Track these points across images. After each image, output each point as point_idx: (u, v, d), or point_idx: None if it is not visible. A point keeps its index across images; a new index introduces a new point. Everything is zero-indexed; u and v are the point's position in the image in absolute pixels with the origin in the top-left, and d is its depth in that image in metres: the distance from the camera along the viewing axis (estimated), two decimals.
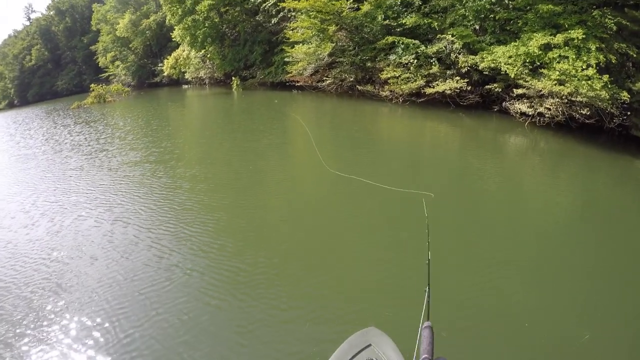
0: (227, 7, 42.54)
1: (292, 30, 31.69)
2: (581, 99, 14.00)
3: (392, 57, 22.82)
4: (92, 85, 50.23)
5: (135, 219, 10.78)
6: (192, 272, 7.78)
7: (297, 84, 33.15)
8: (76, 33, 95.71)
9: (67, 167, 17.95)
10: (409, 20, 21.92)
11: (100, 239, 9.89)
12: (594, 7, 15.66)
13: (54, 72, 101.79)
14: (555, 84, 14.57)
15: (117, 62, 75.20)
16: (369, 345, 4.39)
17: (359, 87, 26.37)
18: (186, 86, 58.92)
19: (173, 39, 50.68)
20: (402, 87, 21.88)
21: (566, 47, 14.95)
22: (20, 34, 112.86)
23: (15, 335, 6.65)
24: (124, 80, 72.48)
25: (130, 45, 68.28)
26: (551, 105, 15.04)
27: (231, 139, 20.46)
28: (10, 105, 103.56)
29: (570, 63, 14.43)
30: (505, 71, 16.37)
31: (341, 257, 7.93)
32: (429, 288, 4.60)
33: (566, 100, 14.64)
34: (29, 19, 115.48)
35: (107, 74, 77.14)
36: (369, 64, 25.17)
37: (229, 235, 9.30)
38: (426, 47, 21.21)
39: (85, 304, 7.20)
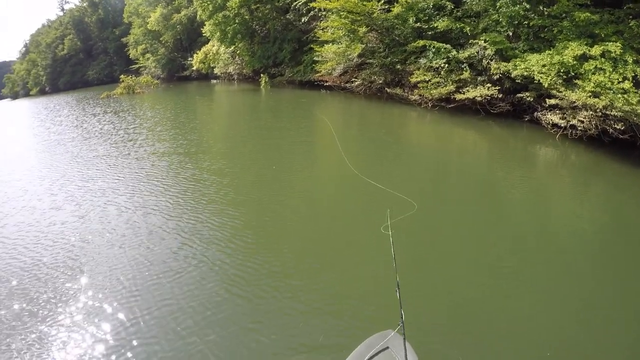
0: (257, 5, 42.77)
1: (322, 29, 31.68)
2: (616, 113, 13.62)
3: (422, 60, 22.64)
4: (122, 76, 50.98)
5: (158, 208, 11.19)
6: (209, 262, 8.03)
7: (325, 84, 33.11)
8: (108, 25, 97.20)
9: (94, 154, 18.71)
10: (441, 24, 21.70)
11: (123, 225, 10.28)
12: (631, 17, 15.38)
13: (86, 62, 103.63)
14: (589, 96, 14.23)
15: (148, 55, 76.08)
16: (387, 348, 4.45)
17: (388, 90, 26.19)
18: (215, 81, 59.43)
19: (203, 34, 50.97)
20: (431, 91, 21.63)
21: (602, 59, 14.58)
22: (53, 24, 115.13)
23: (31, 312, 6.97)
24: (154, 73, 73.29)
25: (161, 39, 69.01)
26: (584, 117, 14.63)
27: (257, 135, 20.93)
28: (42, 92, 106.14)
29: (606, 75, 14.09)
30: (539, 80, 16.04)
31: (357, 256, 8.11)
32: (398, 288, 4.65)
33: (600, 114, 14.24)
34: (62, 9, 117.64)
35: (137, 66, 78.12)
36: (398, 67, 24.98)
37: (248, 228, 9.57)
38: (457, 52, 20.96)
39: (100, 287, 7.51)
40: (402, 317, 4.47)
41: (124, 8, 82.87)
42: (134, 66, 78.52)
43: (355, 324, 6.02)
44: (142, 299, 6.99)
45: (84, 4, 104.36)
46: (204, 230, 9.50)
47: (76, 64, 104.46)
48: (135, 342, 5.96)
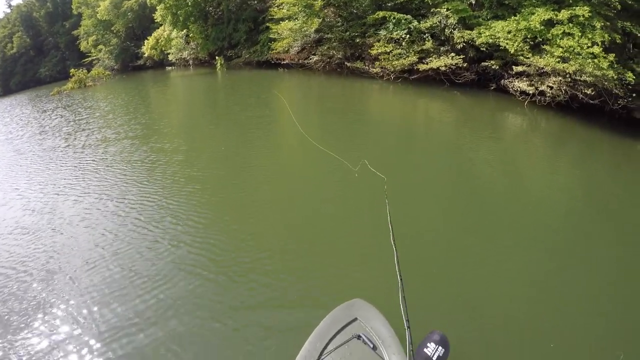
0: None
1: (278, 6, 30.55)
2: (586, 78, 13.27)
3: (382, 32, 21.85)
4: (72, 70, 48.83)
5: (111, 193, 10.87)
6: (176, 245, 7.75)
7: (283, 62, 32.19)
8: (58, 18, 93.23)
9: (41, 147, 18.12)
10: None
11: (78, 212, 9.95)
12: None
13: (37, 59, 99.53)
14: (558, 62, 13.76)
15: (100, 46, 73.29)
16: (355, 320, 4.25)
17: (348, 64, 25.46)
18: (170, 68, 57.39)
19: (156, 20, 49.12)
20: (393, 63, 20.98)
21: (570, 24, 14.04)
22: (1, 22, 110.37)
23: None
24: (107, 65, 70.72)
25: (112, 28, 66.38)
26: (553, 83, 14.27)
27: (210, 115, 20.94)
28: None
29: (575, 40, 13.57)
30: (505, 47, 15.52)
31: (321, 230, 7.98)
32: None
33: (569, 79, 13.87)
34: (9, 6, 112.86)
35: (90, 59, 75.30)
36: (358, 40, 24.20)
37: (208, 206, 9.33)
38: (419, 22, 20.21)
39: (67, 284, 7.11)
40: (400, 278, 4.26)
41: None
42: (86, 59, 75.51)
43: (327, 299, 5.71)
44: (109, 290, 6.72)
45: None
46: (165, 213, 9.17)
47: (27, 62, 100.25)
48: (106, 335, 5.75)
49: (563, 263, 6.38)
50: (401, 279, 4.22)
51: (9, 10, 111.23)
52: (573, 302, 5.64)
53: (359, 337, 4.05)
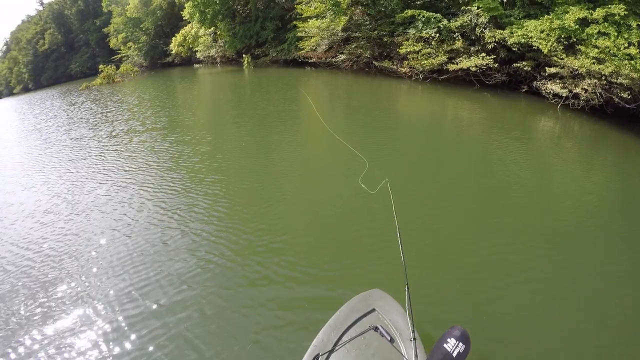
0: None
1: (306, 4, 30.37)
2: (622, 81, 12.77)
3: (411, 31, 21.51)
4: (101, 66, 49.57)
5: (136, 181, 11.27)
6: (193, 233, 7.97)
7: (310, 61, 32.08)
8: (89, 16, 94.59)
9: (69, 136, 18.97)
10: None
11: (102, 201, 10.29)
12: None
13: (68, 55, 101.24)
14: (593, 63, 13.33)
15: (129, 44, 74.17)
16: (373, 310, 4.21)
17: (376, 63, 25.18)
18: (197, 65, 57.80)
19: (184, 18, 49.43)
20: (422, 62, 20.66)
21: (605, 23, 13.59)
22: (33, 19, 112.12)
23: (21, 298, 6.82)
24: (136, 61, 71.61)
25: (142, 26, 67.08)
26: (588, 86, 13.78)
27: (236, 109, 21.04)
28: (25, 89, 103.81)
29: (611, 40, 13.13)
30: (538, 47, 15.12)
31: (341, 222, 7.99)
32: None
33: (605, 82, 13.39)
34: (42, 3, 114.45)
35: (119, 56, 76.27)
36: (386, 39, 23.91)
37: (228, 197, 9.49)
38: (449, 21, 19.85)
39: (86, 268, 7.32)
40: (406, 278, 4.36)
41: None
42: (116, 56, 76.63)
43: (344, 289, 5.78)
44: (126, 273, 6.95)
45: None
46: (186, 202, 9.41)
47: (58, 58, 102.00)
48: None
49: (589, 268, 6.23)
50: (408, 285, 4.31)
51: (41, 8, 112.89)
52: (595, 307, 5.45)
53: (376, 328, 4.00)
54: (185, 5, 46.52)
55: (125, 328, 5.66)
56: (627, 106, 13.05)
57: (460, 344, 3.64)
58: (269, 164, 11.49)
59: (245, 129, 15.68)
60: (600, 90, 13.47)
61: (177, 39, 54.00)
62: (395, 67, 23.56)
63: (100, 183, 11.49)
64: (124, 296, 6.32)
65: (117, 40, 76.73)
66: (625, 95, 12.82)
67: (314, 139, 13.78)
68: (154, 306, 5.99)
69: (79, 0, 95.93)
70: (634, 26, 13.01)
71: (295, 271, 6.39)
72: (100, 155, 14.23)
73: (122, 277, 6.81)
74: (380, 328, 3.99)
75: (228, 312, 5.71)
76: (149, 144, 14.74)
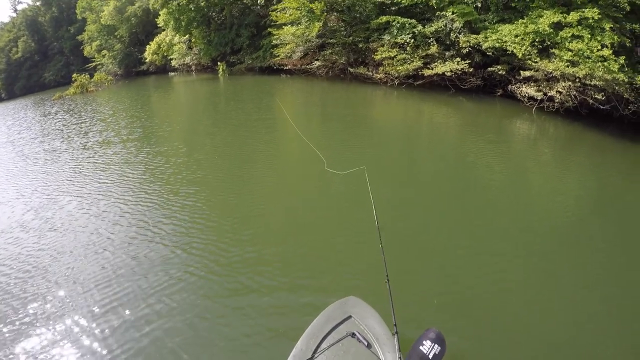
0: None
1: (280, 11, 30.10)
2: (596, 83, 12.78)
3: (386, 36, 21.42)
4: (74, 75, 48.60)
5: (112, 193, 10.91)
6: (168, 245, 7.75)
7: (285, 68, 31.73)
8: (63, 23, 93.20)
9: (43, 149, 18.18)
10: None
11: (76, 212, 9.99)
12: None
13: (42, 63, 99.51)
14: (567, 66, 13.29)
15: (104, 51, 73.23)
16: (349, 317, 4.26)
17: (351, 70, 25.02)
18: (173, 73, 57.02)
19: (159, 25, 48.89)
20: (397, 68, 20.56)
21: (579, 27, 13.61)
22: (6, 26, 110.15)
23: None
24: (111, 70, 70.61)
25: (116, 33, 66.20)
26: (562, 88, 13.78)
27: (210, 120, 20.81)
28: None
29: (584, 43, 13.12)
30: (512, 51, 15.04)
31: (316, 230, 7.92)
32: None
33: (579, 84, 13.42)
34: (15, 10, 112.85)
35: (94, 64, 75.24)
36: (361, 45, 23.75)
37: (205, 208, 9.28)
38: (423, 26, 19.77)
39: (61, 284, 7.00)
40: (387, 276, 4.48)
41: (77, 3, 79.58)
42: (90, 64, 75.50)
43: (321, 297, 5.70)
44: (104, 285, 6.74)
45: (37, 3, 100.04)
46: (164, 212, 9.23)
47: (32, 67, 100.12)
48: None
49: (564, 267, 6.24)
50: (388, 280, 4.42)
51: (14, 15, 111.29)
52: (570, 305, 5.49)
53: (353, 334, 4.02)
54: (159, 13, 46.03)
55: (102, 342, 5.50)
56: (602, 107, 13.08)
57: (436, 345, 3.71)
58: (243, 174, 11.38)
59: (220, 139, 15.48)
60: (574, 92, 13.48)
61: (151, 47, 53.27)
62: (370, 73, 23.39)
63: (75, 196, 11.08)
64: (101, 309, 6.13)
65: (92, 48, 75.68)
66: (599, 96, 12.85)
67: (287, 148, 13.70)
68: (131, 318, 5.83)
69: (53, 7, 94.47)
70: (607, 28, 13.03)
71: (274, 280, 6.30)
72: (75, 168, 13.82)
73: (99, 291, 6.58)
74: (357, 334, 4.01)
75: (206, 322, 5.61)
76: (124, 156, 14.39)
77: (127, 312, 5.97)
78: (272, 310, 5.65)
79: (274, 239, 7.60)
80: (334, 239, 7.39)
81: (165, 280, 6.60)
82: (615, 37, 12.87)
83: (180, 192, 10.26)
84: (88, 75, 50.27)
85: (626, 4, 13.21)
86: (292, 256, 6.93)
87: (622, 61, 12.32)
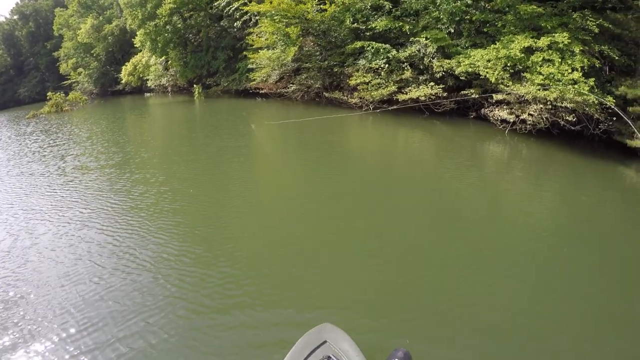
0: (191, 12, 40.86)
1: (257, 35, 30.12)
2: (567, 105, 12.84)
3: (361, 61, 21.40)
4: (49, 93, 47.62)
5: (87, 220, 10.52)
6: (149, 273, 7.54)
7: (261, 92, 31.51)
8: (40, 38, 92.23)
9: (19, 171, 17.55)
10: (379, 24, 20.50)
11: (53, 240, 9.56)
12: (573, 9, 14.73)
13: (17, 79, 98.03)
14: (539, 89, 13.32)
15: (80, 69, 72.53)
16: (325, 342, 4.44)
17: (326, 94, 24.88)
18: (148, 94, 56.57)
19: (136, 46, 48.63)
20: (372, 93, 20.49)
21: (550, 50, 13.74)
22: None
23: None
24: (86, 88, 69.91)
25: (92, 52, 65.67)
26: (534, 111, 13.82)
27: (185, 145, 20.08)
28: None
29: (555, 67, 13.22)
30: (485, 75, 15.06)
31: (290, 257, 7.78)
32: None
33: (550, 106, 13.46)
34: None
35: (69, 82, 74.35)
36: (336, 69, 23.74)
37: (183, 238, 9.05)
38: (398, 51, 19.82)
39: (34, 314, 6.66)
40: None
41: (54, 20, 78.98)
42: (66, 82, 74.68)
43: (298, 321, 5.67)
44: (85, 314, 6.44)
45: (15, 17, 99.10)
46: (143, 241, 8.94)
47: (6, 82, 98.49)
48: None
49: (538, 288, 6.25)
50: None
51: None
52: (544, 326, 5.39)
53: (328, 358, 4.21)
54: (137, 33, 45.83)
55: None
56: (572, 128, 13.26)
57: None
58: (219, 203, 11.31)
59: (197, 166, 15.23)
60: (546, 114, 13.52)
61: (127, 68, 52.92)
62: (345, 97, 23.27)
63: (54, 224, 10.58)
64: (79, 336, 5.92)
65: (67, 66, 74.80)
66: (570, 118, 13.01)
67: (262, 174, 13.90)
68: (111, 340, 5.73)
69: (30, 22, 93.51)
70: (577, 52, 13.16)
71: (248, 307, 6.21)
72: (52, 195, 13.31)
73: (76, 322, 6.27)
74: (332, 357, 4.22)
75: (177, 348, 5.50)
76: (102, 183, 14.00)
77: (104, 336, 5.82)
78: (249, 337, 5.57)
79: (249, 266, 7.50)
80: (312, 263, 7.37)
81: (146, 305, 6.46)
82: (585, 60, 12.98)
83: (160, 221, 10.00)
84: (63, 94, 49.42)
85: (594, 27, 13.40)
86: (268, 282, 6.86)
87: (592, 83, 12.38)
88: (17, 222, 10.97)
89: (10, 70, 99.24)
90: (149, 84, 52.35)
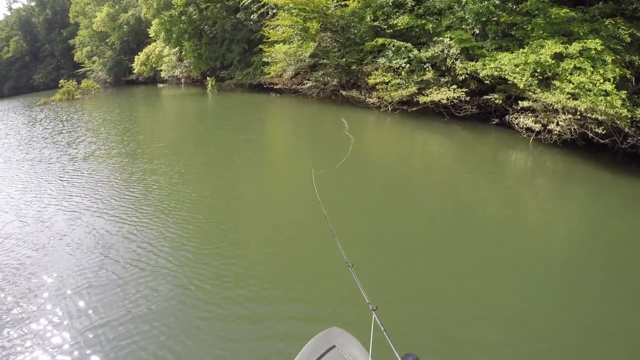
0: (207, 4, 40.42)
1: (272, 28, 29.59)
2: (597, 116, 12.21)
3: (381, 60, 20.83)
4: (61, 81, 47.51)
5: (97, 209, 10.73)
6: (159, 260, 7.76)
7: (275, 87, 31.21)
8: (56, 25, 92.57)
9: (26, 157, 18.08)
10: (401, 21, 19.87)
11: (64, 226, 9.79)
12: (603, 16, 14.13)
13: (32, 65, 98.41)
14: (569, 98, 12.69)
15: (94, 58, 72.54)
16: (333, 347, 4.24)
17: (343, 92, 24.36)
18: (162, 85, 56.57)
19: (150, 36, 48.30)
20: (391, 93, 19.94)
21: (581, 58, 13.05)
22: None
23: None
24: (100, 77, 70.01)
25: (107, 40, 65.61)
26: (563, 121, 13.19)
27: (196, 137, 20.65)
28: None
29: (587, 76, 12.53)
30: (512, 81, 14.45)
31: (301, 257, 7.83)
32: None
33: (579, 117, 12.86)
34: (10, 9, 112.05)
35: (83, 70, 74.46)
36: (354, 67, 23.11)
37: (192, 226, 9.27)
38: (419, 51, 19.20)
39: (45, 301, 6.86)
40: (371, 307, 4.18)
41: (70, 7, 78.90)
42: (80, 70, 74.92)
43: (305, 326, 5.73)
44: (94, 299, 6.72)
45: (32, 3, 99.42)
46: (154, 232, 9.05)
47: (22, 68, 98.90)
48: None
49: (556, 304, 6.15)
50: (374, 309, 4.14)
51: (9, 13, 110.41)
52: (557, 343, 5.39)
53: None
54: (152, 23, 45.48)
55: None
56: (602, 141, 12.61)
57: None
58: (230, 196, 11.29)
59: (208, 159, 15.48)
60: (575, 125, 12.92)
61: (139, 58, 52.69)
62: (363, 97, 22.74)
63: (66, 211, 10.76)
64: (85, 328, 6.04)
65: (82, 54, 74.98)
66: (599, 130, 12.33)
67: (272, 172, 13.95)
68: (114, 336, 5.84)
69: (47, 9, 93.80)
70: (609, 61, 12.49)
71: (257, 307, 6.26)
72: (62, 182, 13.48)
73: (84, 312, 6.43)
74: None
75: (188, 350, 5.54)
76: (114, 171, 14.17)
77: (110, 333, 5.89)
78: (257, 344, 5.58)
79: (258, 264, 7.48)
80: (319, 267, 7.30)
81: (154, 302, 6.54)
82: (618, 70, 12.35)
83: (170, 213, 10.04)
84: (75, 82, 49.32)
85: (626, 36, 12.88)
86: (278, 284, 6.83)
87: (623, 95, 11.77)
88: (29, 208, 11.35)
89: (26, 57, 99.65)
90: (162, 74, 52.12)
